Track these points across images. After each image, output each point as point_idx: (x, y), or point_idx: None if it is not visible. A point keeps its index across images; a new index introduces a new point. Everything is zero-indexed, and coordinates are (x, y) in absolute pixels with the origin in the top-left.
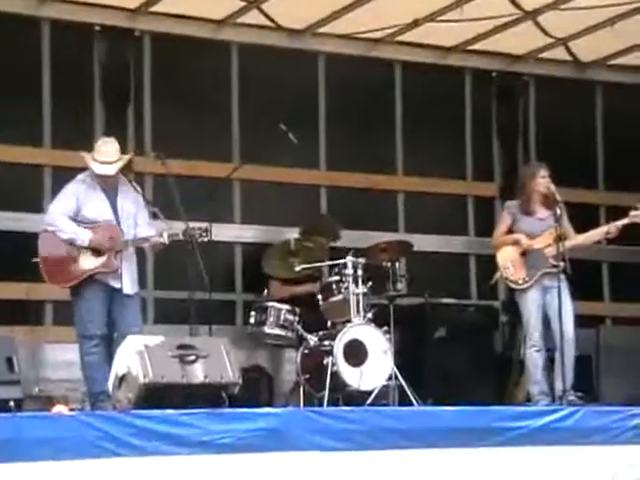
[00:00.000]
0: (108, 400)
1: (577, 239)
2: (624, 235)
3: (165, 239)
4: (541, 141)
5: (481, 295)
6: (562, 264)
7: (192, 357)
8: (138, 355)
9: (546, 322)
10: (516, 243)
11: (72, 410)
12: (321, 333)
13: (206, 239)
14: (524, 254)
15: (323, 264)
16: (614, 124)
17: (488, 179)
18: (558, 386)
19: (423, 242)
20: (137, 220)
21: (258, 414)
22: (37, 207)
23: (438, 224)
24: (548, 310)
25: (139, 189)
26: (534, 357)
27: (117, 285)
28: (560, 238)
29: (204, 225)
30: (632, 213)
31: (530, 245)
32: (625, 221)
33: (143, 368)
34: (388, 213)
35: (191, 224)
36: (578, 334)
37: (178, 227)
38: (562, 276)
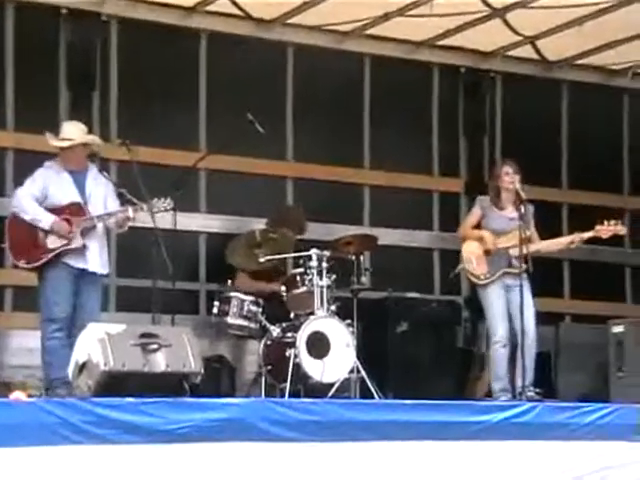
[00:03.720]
0: (66, 387)
1: (540, 245)
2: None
3: (130, 213)
4: (507, 138)
5: (444, 290)
6: (524, 266)
7: (154, 346)
8: (99, 343)
9: (508, 319)
10: (481, 239)
11: (30, 397)
12: (284, 324)
13: (170, 210)
14: (488, 252)
15: (288, 256)
16: (579, 123)
17: (454, 175)
18: (518, 382)
19: (388, 236)
20: (107, 204)
21: (219, 404)
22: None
23: (403, 218)
24: (510, 307)
25: (107, 175)
26: (499, 353)
27: (83, 266)
28: (525, 240)
29: (167, 198)
30: (598, 227)
31: (494, 244)
32: (590, 234)
33: (104, 356)
34: (354, 206)
35: (155, 199)
36: (538, 331)
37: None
38: (524, 275)
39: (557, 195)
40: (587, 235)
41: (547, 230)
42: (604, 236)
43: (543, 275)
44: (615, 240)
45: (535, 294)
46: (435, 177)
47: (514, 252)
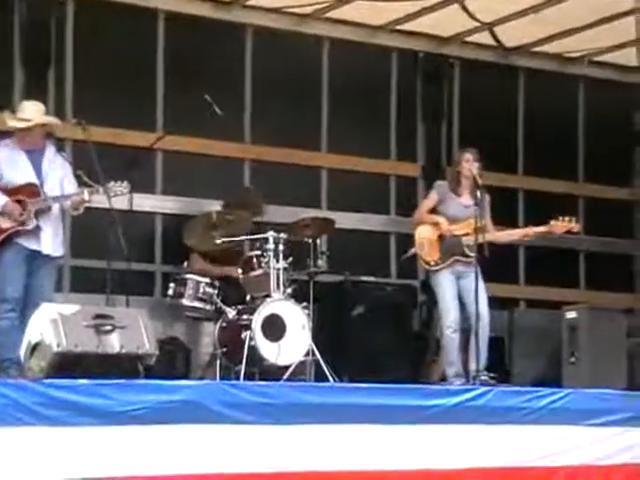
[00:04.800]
0: (17, 368)
1: (494, 235)
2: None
3: (86, 196)
4: (465, 124)
5: (400, 274)
6: (474, 254)
7: (108, 327)
8: (52, 323)
9: (460, 304)
10: (436, 225)
11: None
12: (240, 307)
13: (126, 193)
14: (441, 237)
15: (244, 238)
16: (535, 110)
17: (411, 159)
18: (472, 366)
19: (345, 220)
20: (63, 185)
21: (173, 386)
22: None
23: (360, 202)
24: (462, 293)
25: (65, 155)
26: (450, 338)
27: (37, 247)
28: (479, 230)
29: (124, 182)
30: (552, 222)
31: (448, 231)
32: (543, 229)
33: (57, 337)
34: (311, 190)
35: (111, 182)
36: (492, 316)
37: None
38: (475, 262)
39: (513, 181)
40: (541, 230)
41: (503, 216)
42: (558, 232)
43: (498, 261)
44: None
45: (490, 279)
46: (392, 161)
47: (467, 240)
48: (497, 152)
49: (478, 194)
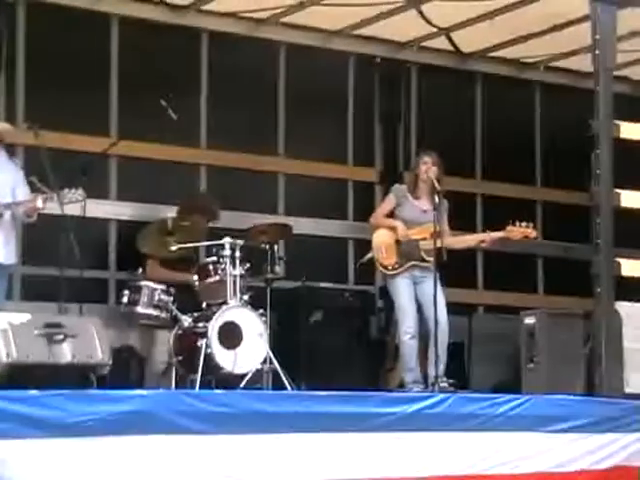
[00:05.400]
0: None
1: (450, 241)
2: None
3: (39, 203)
4: (422, 128)
5: (358, 280)
6: (432, 259)
7: (60, 336)
8: (2, 333)
9: (418, 309)
10: (393, 229)
11: None
12: (196, 314)
13: (81, 200)
14: (399, 242)
15: (200, 244)
16: (492, 115)
17: (369, 164)
18: (431, 373)
19: (302, 225)
20: (16, 193)
21: (127, 396)
22: None
23: (318, 207)
24: (420, 298)
25: (17, 162)
26: (407, 344)
27: None
28: (437, 234)
29: (79, 189)
30: (509, 228)
31: (405, 236)
32: (500, 234)
33: (7, 347)
34: (268, 195)
35: (66, 189)
36: (451, 321)
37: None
38: (433, 267)
39: (471, 186)
40: (497, 235)
41: (462, 222)
42: (514, 238)
43: (456, 266)
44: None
45: (448, 284)
46: (350, 166)
47: (425, 245)
48: (455, 156)
49: (436, 198)
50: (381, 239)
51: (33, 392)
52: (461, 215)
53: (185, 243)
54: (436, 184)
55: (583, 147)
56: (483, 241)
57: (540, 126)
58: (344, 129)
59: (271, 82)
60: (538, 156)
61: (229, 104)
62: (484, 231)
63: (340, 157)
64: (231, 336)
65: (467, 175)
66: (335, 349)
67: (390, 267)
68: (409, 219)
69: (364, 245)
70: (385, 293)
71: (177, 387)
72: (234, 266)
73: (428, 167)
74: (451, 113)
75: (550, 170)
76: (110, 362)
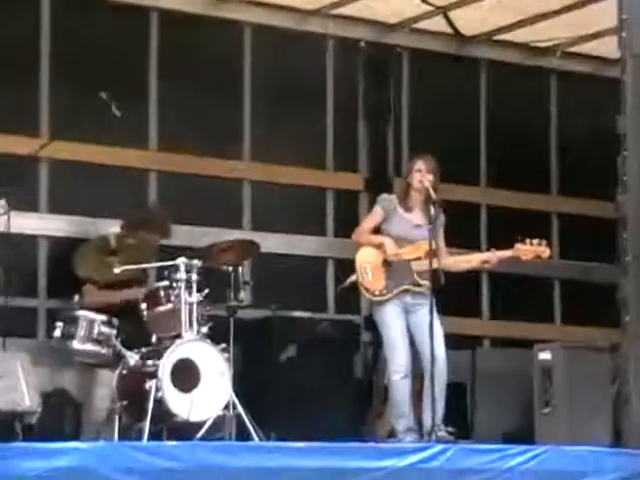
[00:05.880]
0: None
1: (449, 261)
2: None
3: None
4: (416, 126)
5: (340, 308)
6: (427, 283)
7: None
8: None
9: (411, 343)
10: (380, 247)
11: None
12: (144, 350)
13: (3, 213)
14: (387, 262)
15: (150, 265)
16: (499, 109)
17: (352, 169)
18: (426, 419)
19: (272, 242)
20: None
21: (60, 449)
22: None
23: (291, 221)
24: (412, 330)
25: None
26: (398, 385)
27: None
28: (433, 253)
29: (2, 200)
30: (518, 246)
31: (396, 255)
32: (508, 253)
33: None
34: (231, 206)
35: None
36: (450, 357)
37: None
38: (428, 293)
39: (474, 195)
40: (505, 255)
41: (462, 237)
42: (525, 257)
43: (457, 291)
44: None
45: (447, 313)
46: (329, 172)
47: (419, 266)
48: (454, 160)
49: (432, 211)
50: (366, 259)
51: None
52: (462, 230)
53: (131, 264)
54: (432, 193)
55: (608, 148)
56: (488, 261)
57: (556, 123)
58: (322, 128)
59: (235, 71)
60: (553, 159)
61: (184, 97)
62: (489, 249)
63: (317, 161)
64: (186, 376)
65: (469, 182)
66: (312, 391)
67: (377, 292)
68: (400, 235)
69: (346, 266)
70: (372, 324)
71: (120, 438)
72: (190, 292)
73: (422, 174)
74: (449, 108)
75: (568, 175)
76: (39, 409)
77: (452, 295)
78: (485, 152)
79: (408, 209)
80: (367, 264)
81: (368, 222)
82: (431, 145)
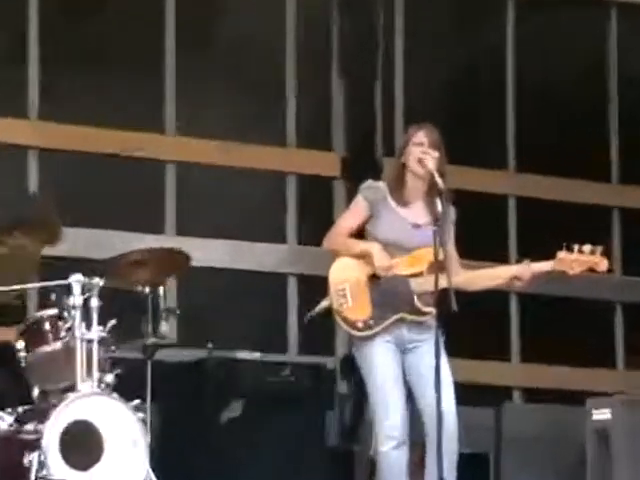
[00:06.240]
0: None
1: (463, 278)
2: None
3: None
4: (413, 82)
5: (305, 346)
6: (431, 309)
7: None
8: None
9: (408, 396)
10: (365, 257)
11: None
12: (21, 409)
13: None
14: (375, 278)
15: (29, 286)
16: (532, 55)
17: (323, 146)
18: None
19: (209, 252)
20: None
21: None
22: None
23: (235, 223)
24: (411, 377)
25: None
26: (390, 457)
27: None
28: (441, 266)
29: None
30: (561, 255)
31: (387, 269)
32: (548, 266)
33: None
34: (148, 200)
35: None
36: (465, 417)
37: None
38: (434, 323)
39: (500, 182)
40: (543, 268)
41: (481, 243)
42: (572, 272)
43: (475, 321)
44: None
45: (461, 354)
46: (291, 149)
47: (420, 285)
48: (470, 132)
49: (438, 204)
50: (345, 275)
51: None
52: (482, 233)
53: (2, 284)
54: (438, 180)
55: None
56: (519, 278)
57: (618, 76)
58: (280, 87)
59: (152, 6)
60: (614, 132)
61: (76, 55)
62: (520, 260)
63: (274, 134)
64: (83, 447)
65: (491, 164)
66: (265, 466)
67: (361, 324)
68: (392, 240)
69: (316, 285)
70: (351, 369)
71: None
72: (89, 324)
73: (424, 151)
74: (461, 52)
75: (635, 158)
76: None
77: (468, 327)
78: (513, 120)
79: (404, 202)
80: (346, 283)
81: (346, 221)
82: (436, 111)
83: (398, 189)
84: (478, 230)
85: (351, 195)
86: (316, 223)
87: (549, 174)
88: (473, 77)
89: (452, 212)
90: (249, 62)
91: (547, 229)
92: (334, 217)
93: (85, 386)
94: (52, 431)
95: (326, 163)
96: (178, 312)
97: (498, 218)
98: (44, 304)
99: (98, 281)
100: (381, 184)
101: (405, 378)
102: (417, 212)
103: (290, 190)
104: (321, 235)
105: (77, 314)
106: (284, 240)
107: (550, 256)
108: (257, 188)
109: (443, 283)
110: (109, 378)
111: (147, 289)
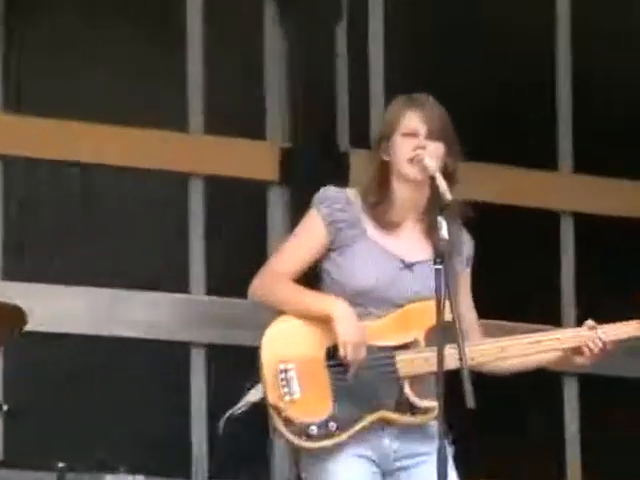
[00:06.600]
0: None
1: (483, 352)
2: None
3: None
4: (398, 32)
5: (221, 471)
6: (432, 404)
7: None
8: None
9: None
10: (323, 319)
11: None
12: None
13: None
14: (338, 355)
15: None
16: (586, 21)
17: (252, 133)
18: None
19: (61, 306)
20: None
21: None
22: None
23: (107, 257)
24: None
25: None
26: None
27: None
28: (448, 331)
29: None
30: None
31: (359, 342)
32: (628, 331)
33: None
34: None
35: None
36: None
37: None
38: (435, 427)
39: (546, 191)
40: (619, 334)
41: (516, 291)
42: None
43: (505, 421)
44: None
45: (484, 474)
46: (196, 137)
47: (412, 365)
48: (494, 114)
49: (443, 229)
50: (289, 349)
51: None
52: (515, 274)
53: None
54: (442, 188)
55: None
56: (580, 350)
57: None
58: (181, 53)
59: None
60: None
61: None
62: (581, 322)
63: (171, 115)
64: None
65: (533, 163)
66: None
67: (315, 429)
68: (369, 288)
69: (236, 363)
70: None
71: None
72: None
73: (421, 144)
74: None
75: None
76: None
77: (494, 435)
78: (568, 103)
79: (388, 224)
80: (290, 362)
81: (291, 254)
82: (436, 81)
83: (379, 202)
84: (510, 270)
85: (298, 210)
86: (239, 258)
87: (623, 175)
88: (496, 51)
89: (468, 242)
90: (170, 49)
91: (618, 265)
92: (268, 249)
93: None
94: None
95: (256, 160)
96: (5, 408)
97: (544, 249)
98: None
99: None
100: (350, 193)
101: None
102: (410, 241)
103: (195, 202)
104: (245, 277)
105: None
106: (186, 286)
107: (630, 315)
108: (144, 201)
109: (451, 362)
110: None
111: None
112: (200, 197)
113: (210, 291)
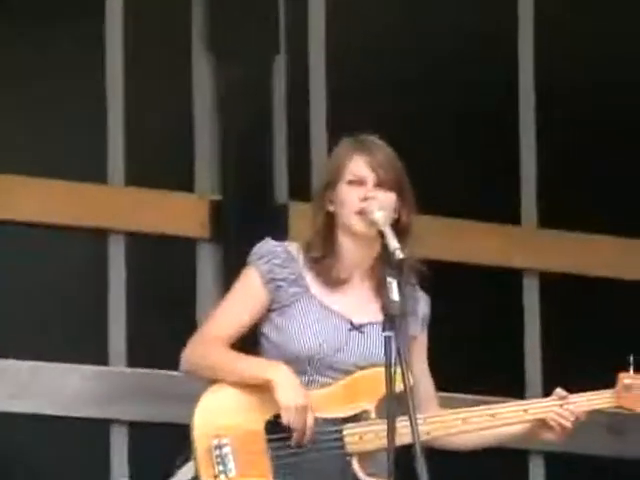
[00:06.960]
0: None
1: (443, 425)
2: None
3: None
4: (343, 61)
5: None
6: None
7: None
8: None
9: None
10: (262, 388)
11: None
12: None
13: None
14: (280, 427)
15: None
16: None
17: (178, 183)
18: None
19: None
20: None
21: None
22: None
23: (16, 327)
24: None
25: None
26: None
27: None
28: (401, 402)
29: None
30: (625, 380)
31: (303, 410)
32: (601, 402)
33: None
34: None
35: None
36: None
37: None
38: None
39: (507, 246)
40: (592, 405)
41: (477, 364)
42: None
43: None
44: None
45: None
46: (116, 188)
47: (360, 439)
48: (453, 164)
49: (393, 291)
50: (223, 421)
51: None
52: (476, 343)
53: None
54: (391, 245)
55: None
56: (546, 423)
57: None
58: (98, 76)
59: None
60: None
61: None
62: (546, 390)
63: (86, 167)
64: None
65: (493, 217)
66: None
67: None
68: (312, 354)
69: (162, 440)
70: None
71: None
72: None
73: (368, 190)
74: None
75: None
76: None
77: None
78: (533, 129)
79: (334, 282)
80: (224, 436)
81: (226, 317)
82: (385, 118)
83: (324, 257)
84: (468, 334)
85: (231, 269)
86: (165, 324)
87: (602, 231)
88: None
89: (423, 300)
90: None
91: (588, 332)
92: (197, 313)
93: None
94: None
95: (183, 213)
96: None
97: (506, 312)
98: None
99: None
100: (291, 247)
101: None
102: (359, 299)
103: (114, 261)
104: (172, 348)
105: None
106: (105, 359)
107: (605, 382)
108: (55, 254)
109: (405, 436)
110: None
111: None
112: (121, 256)
113: (132, 363)
